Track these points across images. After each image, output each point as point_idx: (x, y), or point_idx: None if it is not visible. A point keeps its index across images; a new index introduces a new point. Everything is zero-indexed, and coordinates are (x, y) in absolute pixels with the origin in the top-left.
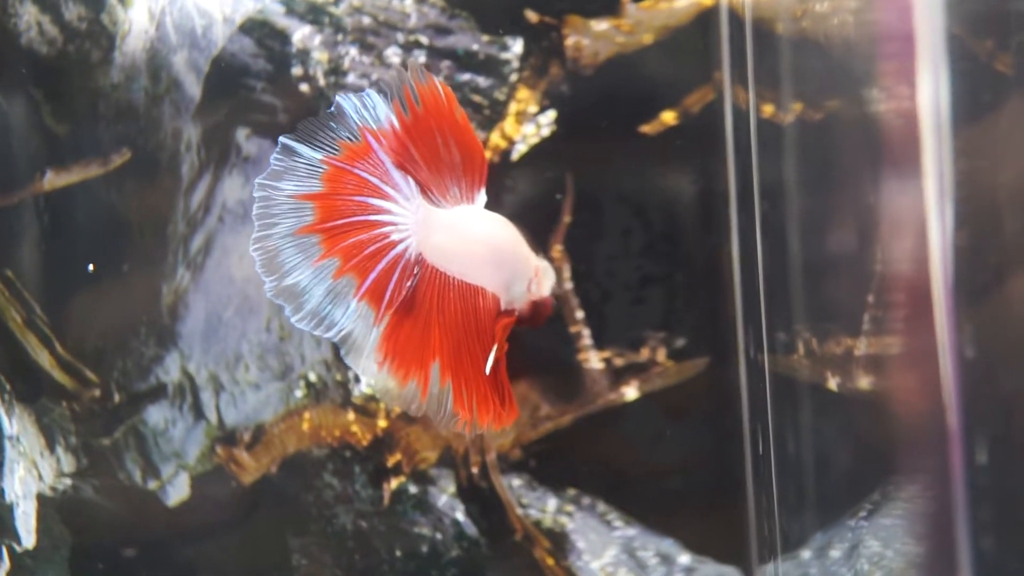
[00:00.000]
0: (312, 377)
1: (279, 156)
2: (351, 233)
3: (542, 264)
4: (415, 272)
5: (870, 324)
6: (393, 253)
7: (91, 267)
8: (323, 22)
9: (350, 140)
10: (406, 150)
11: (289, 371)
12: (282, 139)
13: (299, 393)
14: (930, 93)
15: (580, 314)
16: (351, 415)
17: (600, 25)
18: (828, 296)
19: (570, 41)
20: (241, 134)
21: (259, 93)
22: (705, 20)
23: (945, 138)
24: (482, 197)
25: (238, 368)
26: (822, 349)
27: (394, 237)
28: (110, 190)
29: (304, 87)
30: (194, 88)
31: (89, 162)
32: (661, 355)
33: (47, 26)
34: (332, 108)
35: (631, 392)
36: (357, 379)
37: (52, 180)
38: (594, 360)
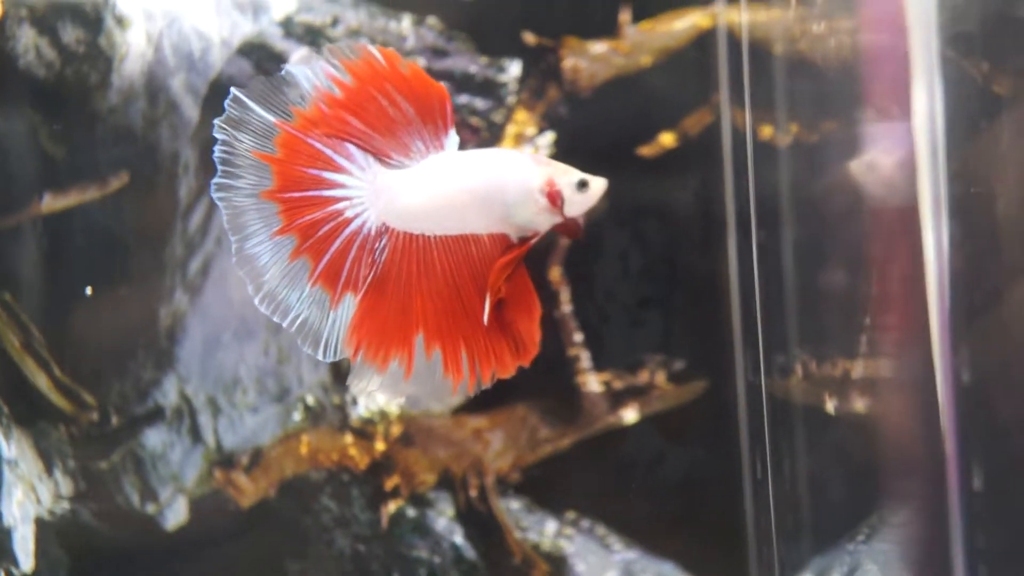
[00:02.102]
0: (310, 400)
1: (233, 104)
2: (307, 209)
3: (556, 171)
4: (379, 246)
5: (867, 347)
6: (347, 231)
7: (88, 290)
8: (320, 44)
9: (302, 107)
10: (347, 124)
11: (287, 394)
12: (234, 90)
13: (297, 416)
14: (925, 114)
15: (579, 337)
16: (349, 438)
17: (598, 47)
18: (825, 318)
19: (568, 63)
20: None
21: None
22: (703, 42)
23: (940, 160)
24: (452, 139)
25: (236, 391)
26: (819, 372)
27: (348, 214)
28: (108, 213)
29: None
30: (192, 111)
31: (87, 185)
32: (660, 378)
33: (45, 49)
34: (283, 74)
35: (630, 415)
36: (355, 402)
37: (50, 203)
38: (593, 383)
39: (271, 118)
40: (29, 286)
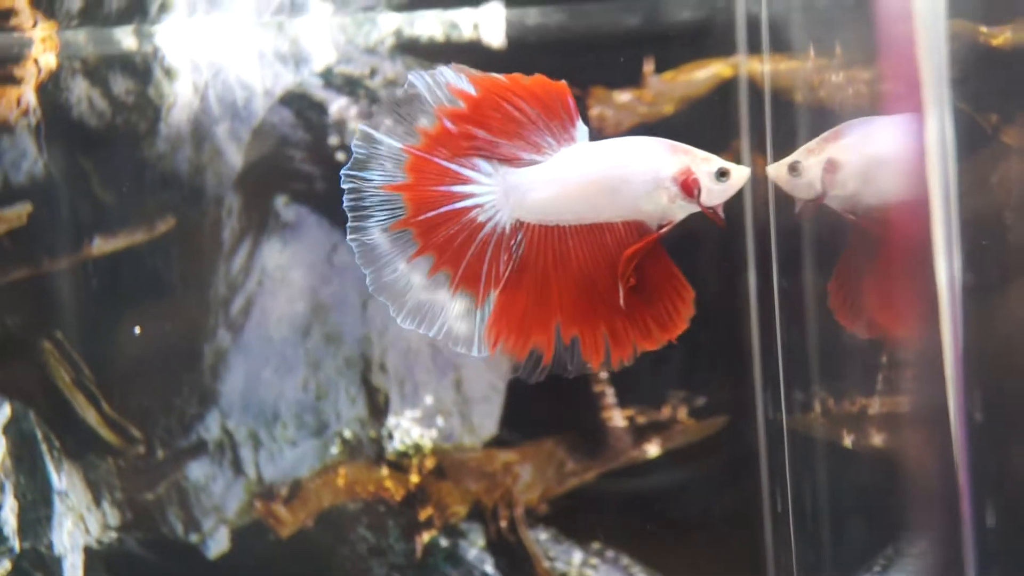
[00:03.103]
0: (347, 434)
1: (360, 143)
2: (441, 227)
3: (695, 158)
4: (516, 242)
5: (883, 384)
6: (482, 235)
7: (136, 330)
8: (359, 94)
9: (426, 125)
10: (474, 136)
11: (325, 428)
12: (361, 127)
13: (334, 450)
14: (938, 161)
15: (604, 374)
16: (384, 471)
17: (623, 96)
18: (843, 357)
19: (594, 112)
20: (280, 201)
21: (297, 162)
22: (725, 90)
23: (953, 206)
24: (581, 131)
25: (276, 426)
26: (838, 408)
27: (481, 219)
28: (155, 255)
29: (340, 156)
30: (235, 157)
31: (135, 229)
32: (682, 413)
33: (97, 99)
34: (406, 87)
35: (653, 449)
36: (391, 436)
37: (100, 246)
38: (618, 418)
39: (398, 145)
40: (80, 325)
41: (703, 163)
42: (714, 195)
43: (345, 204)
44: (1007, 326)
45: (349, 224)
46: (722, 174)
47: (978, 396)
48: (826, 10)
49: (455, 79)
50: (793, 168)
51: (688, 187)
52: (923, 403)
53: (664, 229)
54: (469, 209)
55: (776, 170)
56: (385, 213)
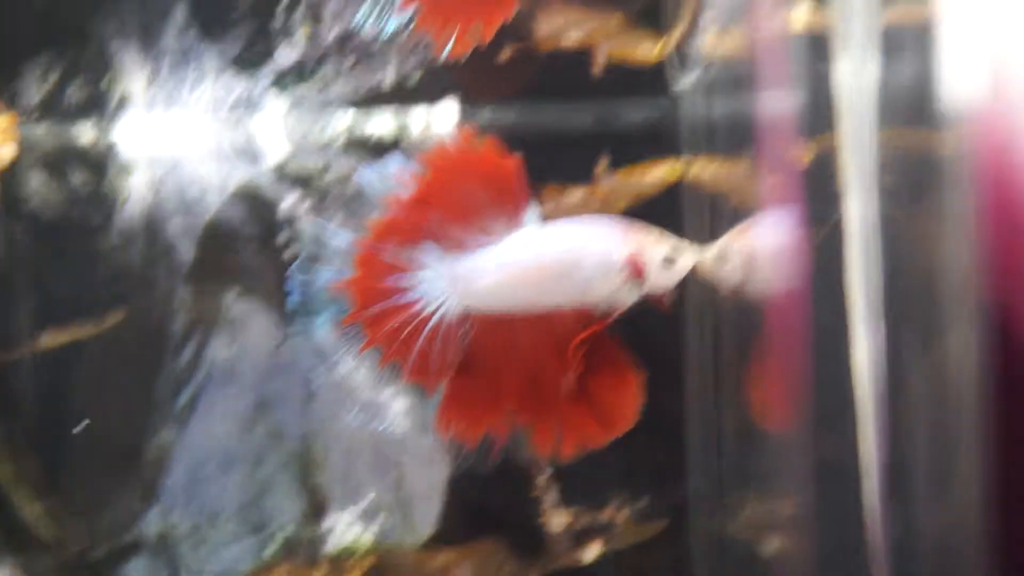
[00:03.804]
0: (288, 531)
1: (309, 240)
2: (387, 319)
3: (646, 242)
4: (463, 331)
5: (793, 483)
6: (429, 326)
7: (82, 425)
8: (311, 189)
9: (374, 216)
10: (422, 222)
11: (265, 526)
12: (310, 224)
13: (274, 547)
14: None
15: (545, 475)
16: (323, 569)
17: (575, 194)
18: (762, 453)
19: (547, 208)
20: (230, 296)
21: (248, 257)
22: (674, 191)
23: (877, 307)
24: (531, 215)
25: (217, 522)
26: (763, 512)
27: (428, 310)
28: (103, 348)
29: (290, 251)
30: (187, 252)
31: (84, 321)
32: (622, 516)
33: (53, 192)
34: (355, 181)
35: (593, 551)
36: (330, 534)
37: (49, 338)
38: (558, 519)
39: (346, 239)
40: (25, 419)
41: (654, 246)
42: (661, 280)
43: (291, 304)
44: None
45: (296, 324)
46: (669, 260)
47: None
48: (750, 117)
49: (403, 166)
50: (719, 256)
51: (637, 272)
52: (836, 505)
53: (614, 315)
54: (416, 301)
55: (704, 257)
56: (333, 310)
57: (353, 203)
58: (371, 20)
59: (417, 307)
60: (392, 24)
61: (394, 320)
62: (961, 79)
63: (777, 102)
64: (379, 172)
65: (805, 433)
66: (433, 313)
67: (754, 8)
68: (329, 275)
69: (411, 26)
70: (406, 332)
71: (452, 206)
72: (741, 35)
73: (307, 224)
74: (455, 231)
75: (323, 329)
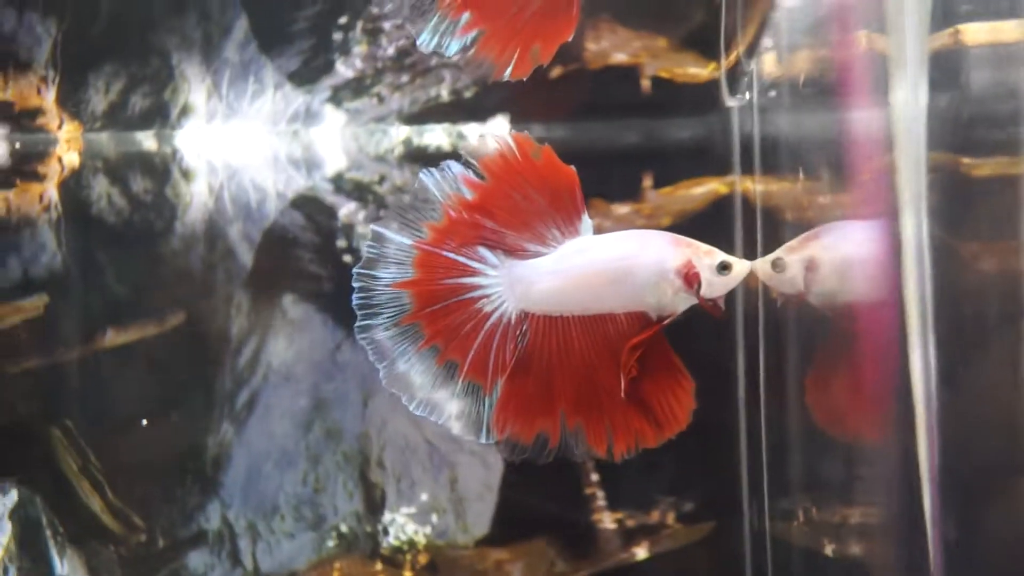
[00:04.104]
0: (344, 528)
1: (372, 243)
2: (448, 318)
3: (697, 251)
4: (521, 332)
5: (859, 491)
6: (488, 325)
7: (144, 420)
8: (367, 199)
9: (435, 220)
10: (481, 227)
11: (322, 522)
12: (373, 227)
13: (331, 543)
14: (915, 283)
15: (595, 477)
16: (379, 566)
17: (622, 209)
18: (821, 460)
19: (594, 223)
20: (288, 300)
21: (306, 263)
22: (720, 206)
23: (929, 320)
24: (586, 224)
25: (275, 518)
26: (819, 517)
27: (487, 309)
28: (164, 348)
29: (347, 258)
30: (246, 257)
31: (146, 322)
32: (671, 518)
33: (116, 197)
34: (415, 184)
35: (641, 552)
36: (386, 531)
37: (112, 338)
38: (607, 520)
39: (408, 242)
40: (89, 414)
41: (705, 256)
42: (715, 288)
43: (355, 302)
44: (984, 449)
45: (359, 323)
46: (723, 267)
47: (954, 517)
48: (812, 136)
49: (463, 171)
50: (776, 264)
51: (690, 280)
52: (896, 514)
53: (667, 320)
54: (475, 300)
55: (760, 266)
56: (394, 309)
57: (413, 205)
58: (433, 42)
59: (476, 306)
60: (454, 46)
61: (453, 319)
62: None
63: (844, 121)
64: (440, 176)
65: (866, 441)
66: (491, 313)
67: (821, 31)
68: (390, 276)
69: (472, 48)
70: (464, 331)
71: (510, 212)
72: (809, 56)
73: (370, 227)
74: (513, 237)
75: (382, 331)
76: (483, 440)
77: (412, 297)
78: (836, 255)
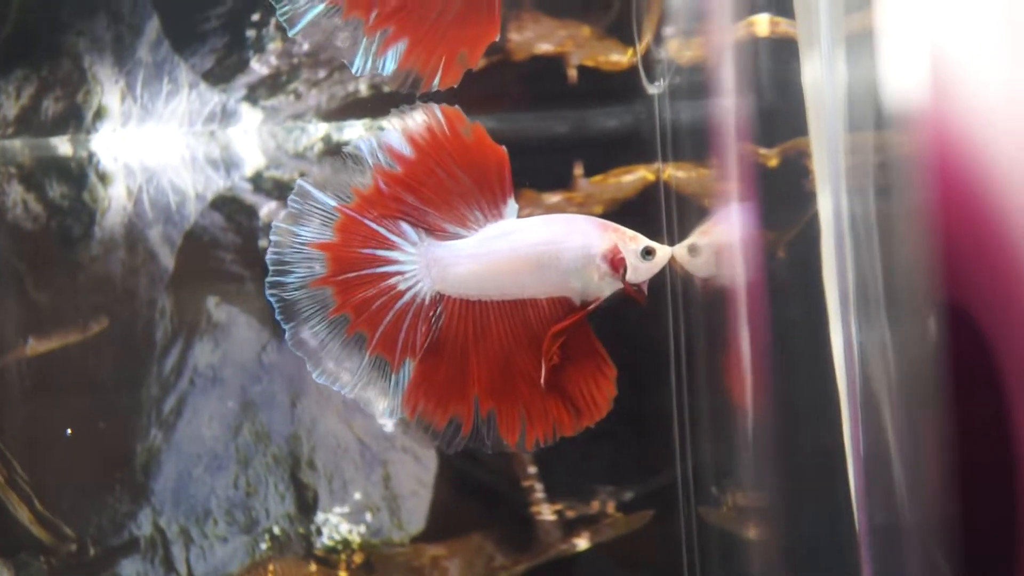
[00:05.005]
0: (276, 530)
1: (295, 198)
2: (360, 288)
3: (622, 237)
4: (435, 314)
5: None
6: (400, 303)
7: (69, 430)
8: (288, 198)
9: (362, 186)
10: (404, 201)
11: (255, 525)
12: (299, 182)
13: (264, 546)
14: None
15: (533, 469)
16: (313, 566)
17: (553, 198)
18: (740, 442)
19: (524, 212)
20: (211, 302)
21: (228, 264)
22: (648, 193)
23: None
24: (511, 207)
25: (207, 522)
26: (742, 499)
27: (401, 287)
28: (88, 356)
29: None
30: (168, 260)
31: (68, 330)
32: (611, 507)
33: (32, 204)
34: (349, 148)
35: (582, 543)
36: (319, 532)
37: (34, 346)
38: (547, 512)
39: (332, 203)
40: (13, 424)
41: (631, 242)
42: (640, 273)
43: (268, 257)
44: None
45: (269, 278)
46: (647, 252)
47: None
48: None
49: (397, 142)
50: (691, 249)
51: (616, 265)
52: (821, 493)
53: (592, 306)
54: (390, 275)
55: (679, 251)
56: (306, 270)
57: (344, 167)
58: (368, 65)
59: (390, 282)
60: (389, 64)
61: (365, 291)
62: (904, 81)
63: (739, 106)
64: (373, 143)
65: (780, 422)
66: (405, 291)
67: (713, 16)
68: (309, 235)
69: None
70: (376, 305)
71: (434, 189)
72: (702, 42)
73: (297, 181)
74: (434, 216)
75: (293, 289)
76: (387, 416)
77: (328, 261)
78: (731, 239)
